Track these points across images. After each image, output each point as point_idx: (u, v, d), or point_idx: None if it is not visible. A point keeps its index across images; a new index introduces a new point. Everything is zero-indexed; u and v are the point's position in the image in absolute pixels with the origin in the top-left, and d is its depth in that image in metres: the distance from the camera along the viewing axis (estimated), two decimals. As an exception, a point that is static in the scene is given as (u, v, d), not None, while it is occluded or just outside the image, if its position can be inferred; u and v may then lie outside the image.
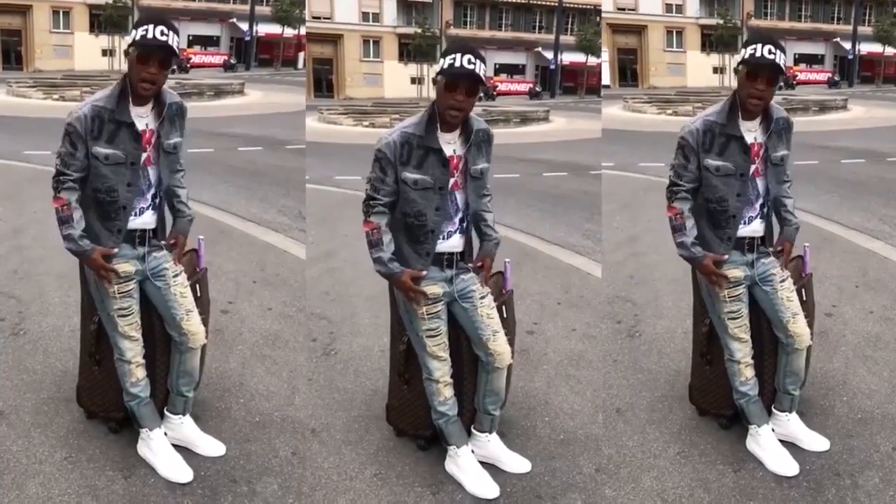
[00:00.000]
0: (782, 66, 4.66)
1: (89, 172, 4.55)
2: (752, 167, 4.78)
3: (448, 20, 44.12)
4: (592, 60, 41.86)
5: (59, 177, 4.55)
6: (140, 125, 4.58)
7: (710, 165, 4.75)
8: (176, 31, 4.55)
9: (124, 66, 4.61)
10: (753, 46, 4.66)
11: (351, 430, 5.34)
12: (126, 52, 4.59)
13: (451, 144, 4.62)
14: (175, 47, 4.52)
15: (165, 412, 4.98)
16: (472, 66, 4.46)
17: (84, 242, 4.52)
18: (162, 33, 4.47)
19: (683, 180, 4.81)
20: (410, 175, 4.56)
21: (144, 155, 4.61)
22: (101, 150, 4.52)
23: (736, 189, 4.76)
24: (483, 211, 4.82)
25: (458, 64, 4.47)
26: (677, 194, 4.82)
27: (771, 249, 4.93)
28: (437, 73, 4.54)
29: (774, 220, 4.96)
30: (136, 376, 4.80)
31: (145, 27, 4.49)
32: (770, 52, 4.62)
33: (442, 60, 4.53)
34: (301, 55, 42.10)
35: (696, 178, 4.80)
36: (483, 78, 4.52)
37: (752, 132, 4.78)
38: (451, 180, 4.63)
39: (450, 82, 4.50)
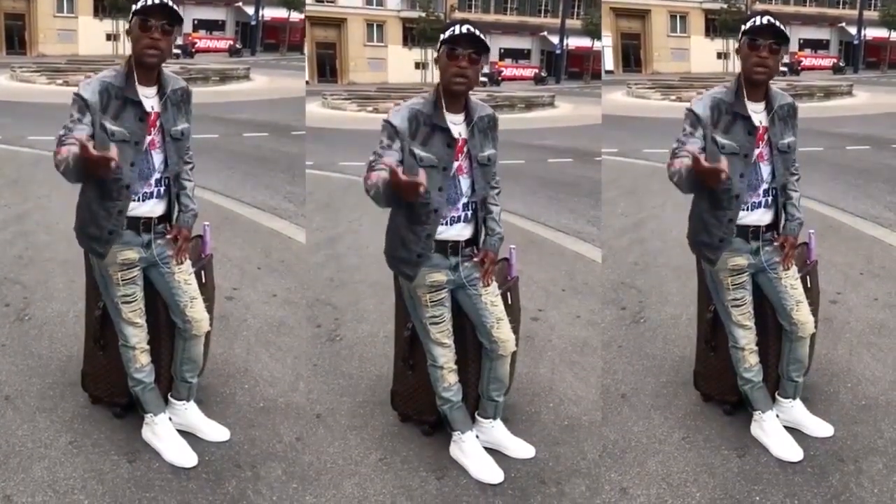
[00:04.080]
0: (783, 30, 4.60)
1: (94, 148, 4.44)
2: (757, 151, 4.74)
3: (453, 4, 44.02)
4: (599, 45, 41.76)
5: (63, 135, 4.32)
6: (146, 106, 4.53)
7: (718, 142, 4.67)
8: (175, 1, 4.48)
9: (129, 51, 4.57)
10: (752, 19, 4.65)
11: (356, 415, 5.35)
12: (128, 32, 4.52)
13: (456, 126, 4.58)
14: (177, 11, 4.45)
15: (170, 398, 4.99)
16: (468, 31, 4.43)
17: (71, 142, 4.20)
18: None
19: (687, 145, 4.62)
20: (417, 151, 4.49)
21: (149, 138, 4.56)
22: (109, 125, 4.44)
23: (739, 169, 4.69)
24: (490, 203, 4.79)
25: (457, 31, 4.43)
26: (680, 150, 4.60)
27: (777, 241, 4.91)
28: (439, 47, 4.49)
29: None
30: (141, 362, 4.80)
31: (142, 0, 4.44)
32: (769, 21, 4.59)
33: (441, 37, 4.49)
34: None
35: (702, 147, 4.63)
36: (483, 40, 4.46)
37: (757, 114, 4.73)
38: (456, 163, 4.59)
39: (451, 51, 4.44)
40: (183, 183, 4.77)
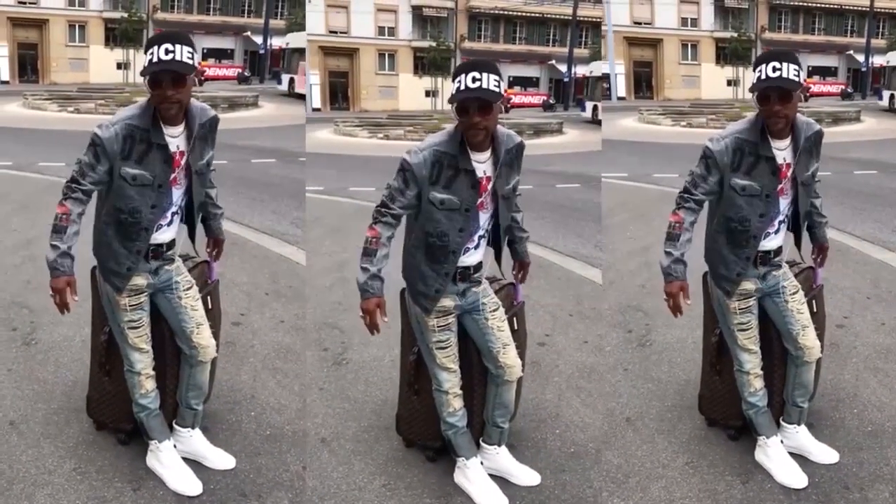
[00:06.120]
0: (792, 78, 4.45)
1: (111, 190, 4.47)
2: (779, 186, 4.68)
3: (462, 34, 44.13)
4: (605, 70, 41.81)
5: (71, 184, 4.45)
6: (172, 147, 4.51)
7: (737, 185, 4.65)
8: (185, 43, 4.36)
9: (139, 80, 4.53)
10: (759, 68, 4.50)
11: (360, 440, 5.35)
12: (143, 75, 4.43)
13: (481, 165, 4.53)
14: (184, 59, 4.33)
15: (174, 425, 4.98)
16: (476, 84, 4.30)
17: (63, 263, 4.42)
18: (167, 51, 4.31)
19: (698, 190, 4.72)
20: (438, 195, 4.46)
21: (172, 175, 4.54)
22: (130, 170, 4.43)
23: (759, 210, 4.68)
24: (514, 213, 4.89)
25: (462, 86, 4.32)
26: (686, 202, 4.75)
27: (793, 262, 5.00)
28: (449, 100, 4.40)
29: (788, 233, 4.93)
30: (146, 388, 4.80)
31: (151, 50, 4.34)
32: (774, 69, 4.45)
33: (451, 94, 4.38)
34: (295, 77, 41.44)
35: (711, 192, 4.71)
36: (494, 90, 4.33)
37: (782, 151, 4.66)
38: (478, 201, 4.56)
39: (460, 106, 4.38)
40: (208, 192, 4.98)
